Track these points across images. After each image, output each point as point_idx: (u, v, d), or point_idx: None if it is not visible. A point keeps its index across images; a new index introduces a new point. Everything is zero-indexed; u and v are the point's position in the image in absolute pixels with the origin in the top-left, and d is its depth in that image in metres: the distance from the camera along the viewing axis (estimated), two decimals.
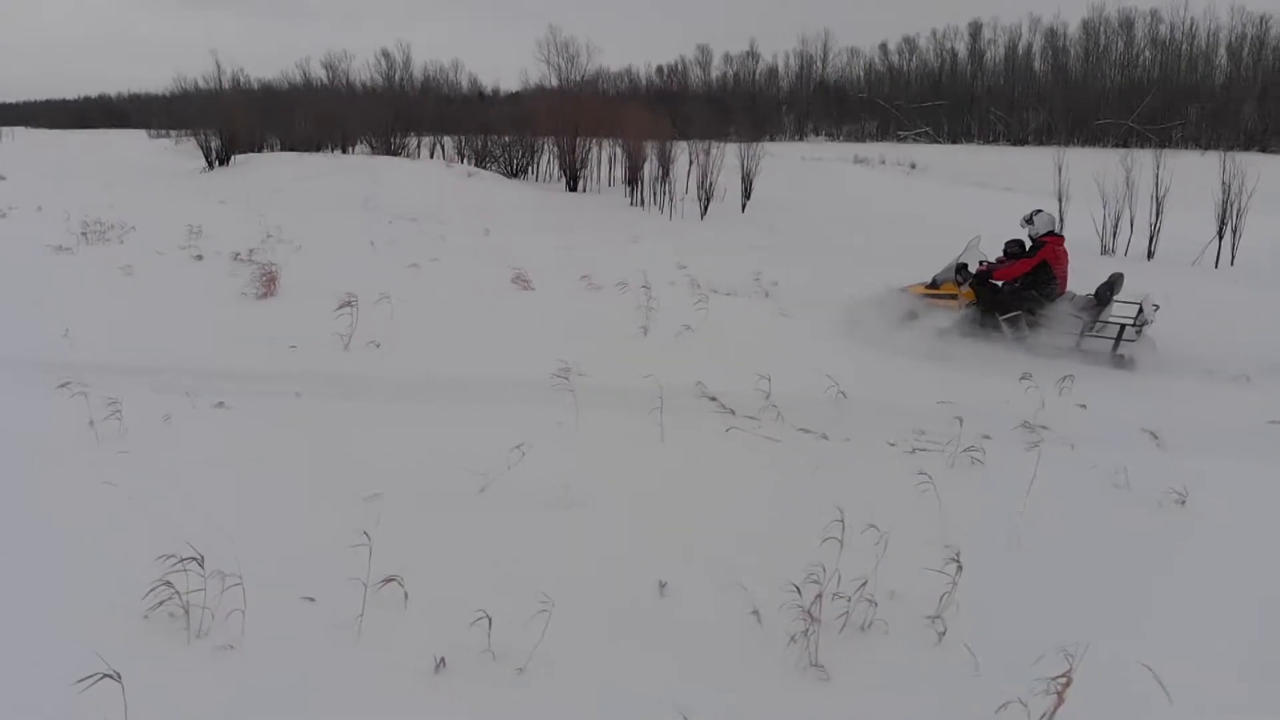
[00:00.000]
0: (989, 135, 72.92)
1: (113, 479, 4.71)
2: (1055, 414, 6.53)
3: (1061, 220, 22.00)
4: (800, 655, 3.46)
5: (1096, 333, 8.67)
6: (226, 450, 5.43)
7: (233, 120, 41.08)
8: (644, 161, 31.67)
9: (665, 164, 30.81)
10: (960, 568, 3.77)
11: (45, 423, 5.81)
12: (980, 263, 9.45)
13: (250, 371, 7.30)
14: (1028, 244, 9.17)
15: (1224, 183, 19.86)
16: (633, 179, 31.83)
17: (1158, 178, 20.44)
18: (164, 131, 56.44)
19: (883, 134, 76.74)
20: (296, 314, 9.04)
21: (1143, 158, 21.48)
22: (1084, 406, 6.65)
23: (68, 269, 10.89)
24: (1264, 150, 62.60)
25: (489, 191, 31.08)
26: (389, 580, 3.68)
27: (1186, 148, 63.31)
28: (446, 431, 5.84)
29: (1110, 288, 8.86)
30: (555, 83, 43.75)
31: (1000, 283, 9.20)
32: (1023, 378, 6.65)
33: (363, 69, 70.96)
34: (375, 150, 45.78)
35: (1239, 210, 19.67)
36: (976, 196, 31.17)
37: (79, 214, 15.60)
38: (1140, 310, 8.56)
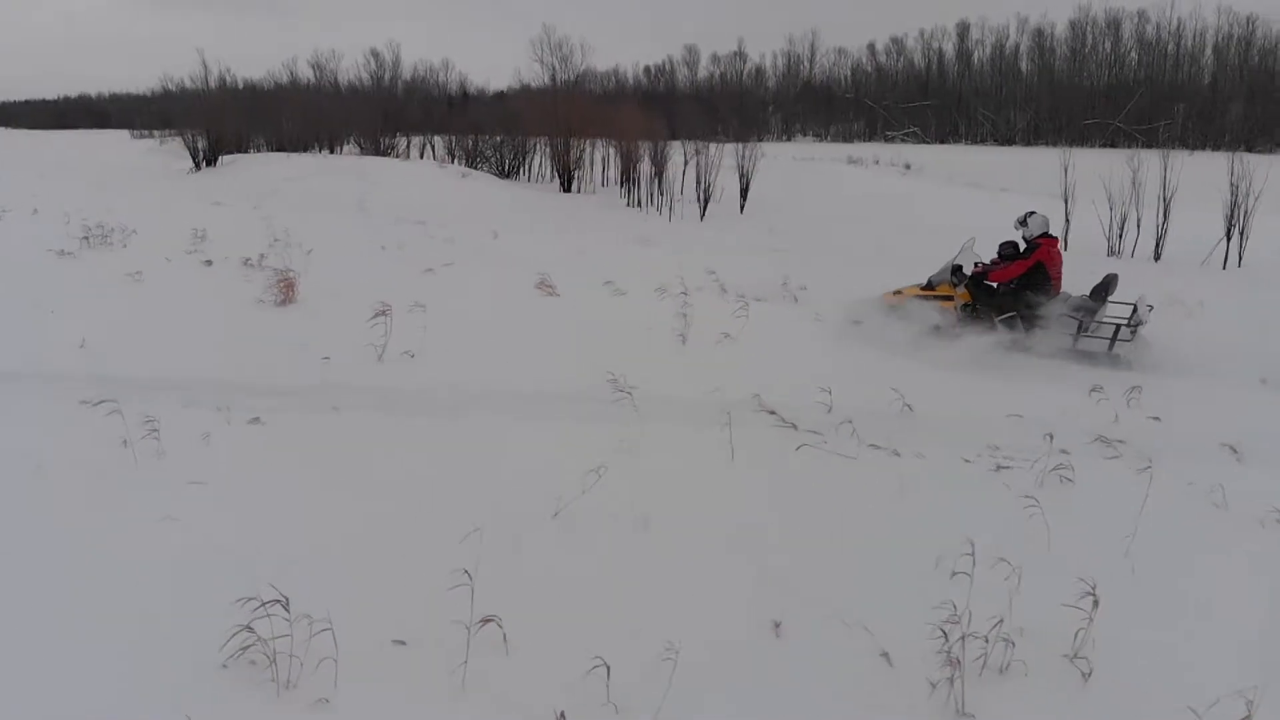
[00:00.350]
0: (976, 135, 73.10)
1: (168, 509, 4.40)
2: (1128, 427, 6.30)
3: (1068, 221, 22.22)
4: (945, 703, 3.20)
5: (1092, 333, 8.70)
6: (280, 473, 5.13)
7: (220, 120, 40.48)
8: (638, 162, 31.41)
9: (661, 164, 30.58)
10: (1097, 602, 3.52)
11: (76, 444, 5.49)
12: (975, 264, 9.45)
13: (281, 384, 6.98)
14: (1022, 246, 9.21)
15: (1232, 184, 19.75)
16: (629, 179, 31.53)
17: (1165, 179, 20.31)
18: (147, 132, 55.67)
19: (870, 134, 76.79)
20: (318, 322, 8.73)
21: (1149, 158, 21.35)
22: (1158, 419, 6.42)
23: (74, 275, 10.51)
24: (1249, 150, 62.98)
25: (485, 193, 30.72)
26: (486, 621, 3.39)
27: (1173, 148, 63.52)
28: (506, 450, 5.56)
29: (1105, 288, 8.91)
30: (548, 82, 43.40)
31: (996, 284, 9.24)
32: (1093, 390, 6.42)
33: (352, 68, 70.68)
34: (364, 150, 45.30)
35: (1247, 212, 19.56)
36: (975, 197, 31.05)
37: (76, 216, 15.18)
38: (1134, 310, 8.58)
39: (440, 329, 8.21)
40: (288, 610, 3.26)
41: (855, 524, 4.61)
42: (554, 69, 44.41)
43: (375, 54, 54.53)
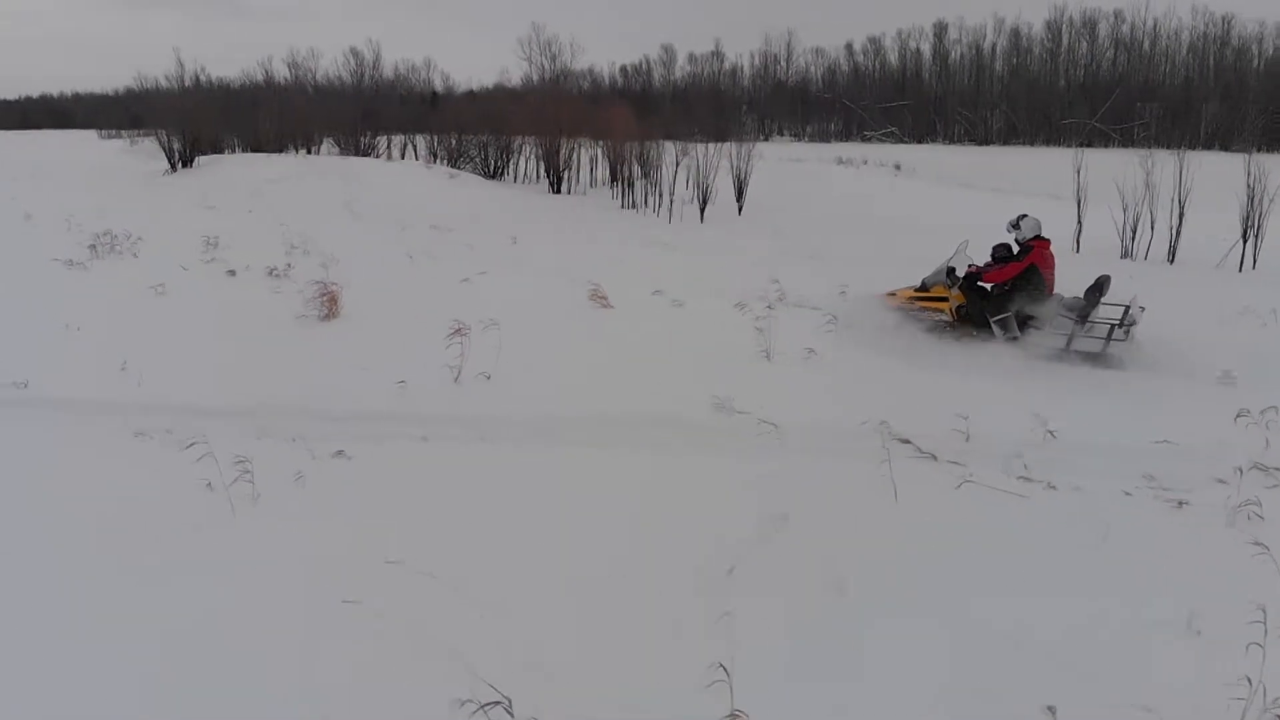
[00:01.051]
0: (952, 135, 73.31)
1: (338, 585, 3.82)
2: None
3: (1080, 223, 22.00)
4: None
5: (1086, 333, 8.74)
6: (419, 524, 4.59)
7: (196, 120, 39.38)
8: (631, 163, 30.94)
9: (653, 165, 30.13)
10: None
11: (154, 489, 4.92)
12: (969, 266, 9.51)
13: (353, 410, 6.42)
14: (1015, 248, 9.33)
15: (1248, 185, 19.61)
16: (624, 181, 31.06)
17: (1180, 180, 20.13)
18: (116, 132, 54.28)
19: (847, 134, 76.78)
20: (370, 339, 8.16)
21: (1164, 159, 21.17)
22: None
23: (91, 288, 9.86)
24: (1225, 149, 63.72)
25: (478, 195, 30.09)
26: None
27: (1149, 147, 64.06)
28: (648, 488, 5.04)
29: (1099, 289, 8.94)
30: (535, 79, 42.71)
31: (990, 285, 9.34)
32: (1239, 415, 6.00)
33: (331, 67, 69.33)
34: (344, 151, 44.39)
35: (1262, 213, 19.43)
36: (974, 199, 30.92)
37: (73, 222, 14.43)
38: (1126, 310, 8.64)
39: (508, 346, 7.67)
40: (511, 715, 2.74)
41: (1077, 579, 4.13)
42: (543, 68, 43.66)
43: (355, 52, 53.53)
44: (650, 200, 29.72)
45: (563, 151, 35.42)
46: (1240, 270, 19.24)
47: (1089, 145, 68.12)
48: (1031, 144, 68.07)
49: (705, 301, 9.82)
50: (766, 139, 79.67)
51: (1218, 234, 19.99)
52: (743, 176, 29.14)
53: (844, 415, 6.11)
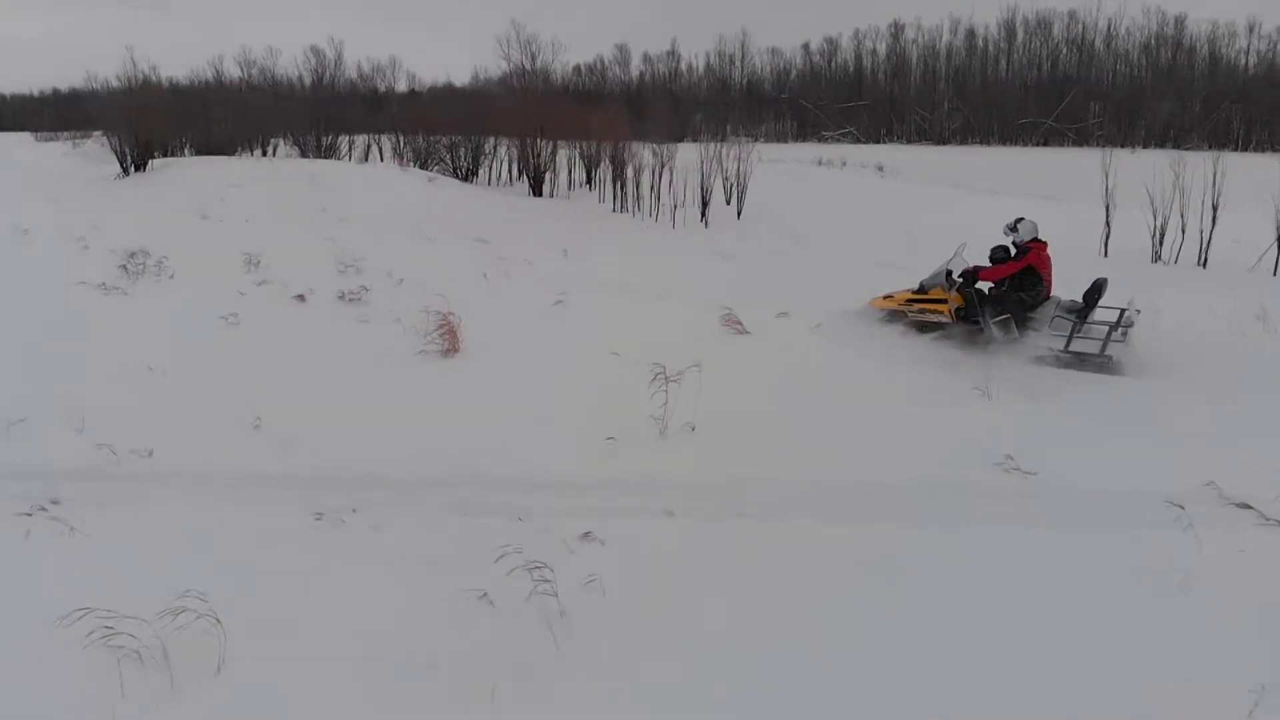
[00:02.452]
0: (908, 135, 73.54)
1: None
2: None
3: (1108, 227, 21.57)
4: None
5: (1083, 335, 8.80)
6: (754, 643, 3.57)
7: (148, 121, 37.23)
8: (625, 164, 29.96)
9: (643, 168, 29.20)
10: None
11: (399, 601, 3.85)
12: (966, 266, 9.60)
13: (558, 476, 5.37)
14: (1012, 251, 9.39)
15: None
16: (620, 184, 30.05)
17: (1215, 181, 19.79)
18: (54, 134, 51.46)
19: (804, 134, 76.54)
20: (514, 381, 7.11)
21: (1196, 160, 20.84)
22: None
23: (144, 318, 8.59)
24: (1177, 147, 64.92)
25: (463, 200, 28.76)
26: None
27: (1104, 145, 65.10)
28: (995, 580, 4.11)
29: (1097, 291, 9.03)
30: (514, 79, 41.31)
31: (988, 286, 9.45)
32: None
33: (291, 66, 66.63)
34: (304, 152, 42.56)
35: None
36: (972, 200, 30.53)
37: (70, 234, 12.97)
38: (1122, 313, 8.71)
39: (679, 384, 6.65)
40: None
41: None
42: (523, 67, 42.32)
43: (316, 51, 51.31)
44: (639, 204, 28.76)
45: (544, 153, 34.19)
46: (1275, 274, 18.97)
47: (1045, 144, 69.20)
48: (987, 143, 68.64)
49: (843, 327, 8.90)
50: (722, 140, 79.02)
51: (1244, 236, 19.76)
52: (742, 179, 28.33)
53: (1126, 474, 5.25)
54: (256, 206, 24.70)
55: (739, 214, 28.02)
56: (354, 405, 6.39)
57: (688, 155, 29.52)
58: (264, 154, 43.60)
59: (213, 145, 42.43)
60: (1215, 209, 19.99)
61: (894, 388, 7.19)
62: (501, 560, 3.99)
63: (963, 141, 70.19)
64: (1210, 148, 59.80)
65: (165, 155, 38.76)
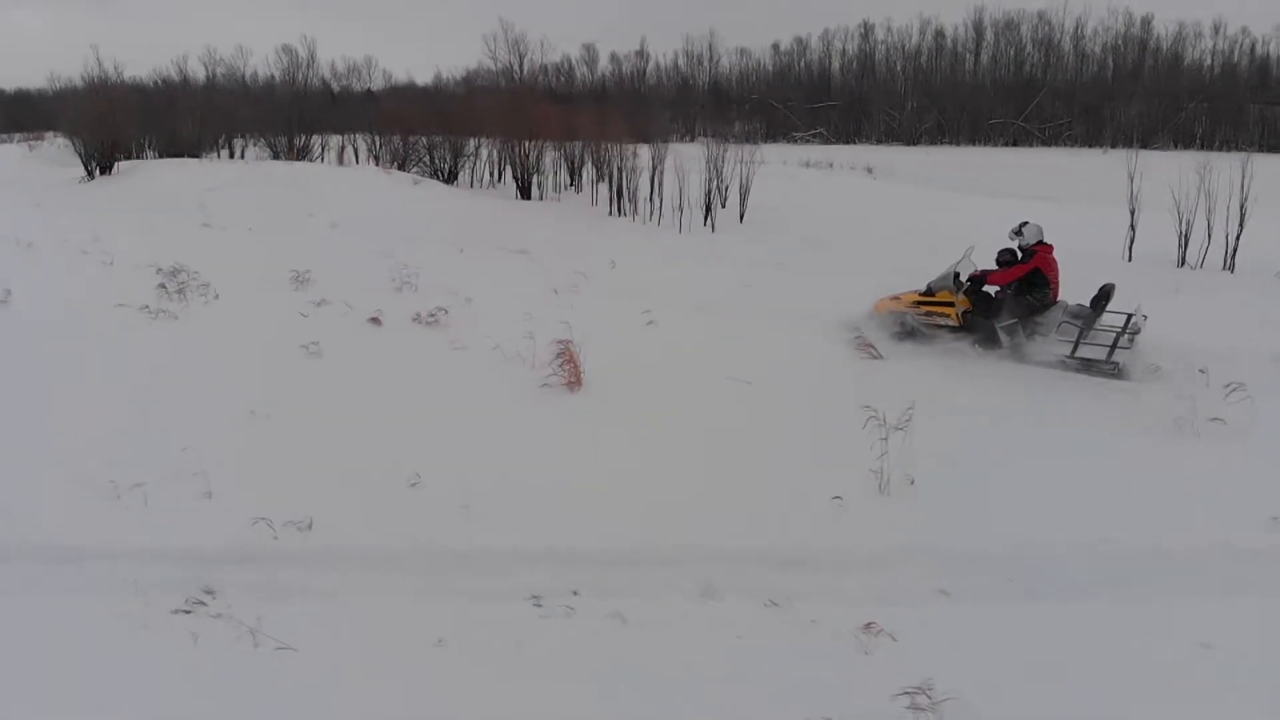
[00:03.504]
0: (877, 136, 73.57)
1: None
2: None
3: (1133, 230, 21.22)
4: None
5: (1090, 340, 8.84)
6: None
7: (113, 123, 35.68)
8: (622, 165, 29.21)
9: (638, 170, 28.52)
10: None
11: None
12: (974, 270, 9.66)
13: (799, 546, 4.64)
14: (1018, 254, 9.41)
15: None
16: (617, 186, 29.30)
17: (1243, 184, 19.52)
18: (7, 136, 49.32)
19: (774, 135, 76.23)
20: (651, 420, 6.37)
21: (1220, 162, 20.58)
22: None
23: (208, 346, 7.72)
24: (1145, 147, 65.59)
25: (458, 204, 27.86)
26: None
27: (1073, 145, 65.78)
28: None
29: (1105, 297, 9.08)
30: (505, 78, 40.24)
31: (995, 289, 9.48)
32: None
33: (261, 65, 64.53)
34: (277, 154, 41.20)
35: None
36: (967, 202, 30.22)
37: (69, 246, 11.92)
38: (1129, 319, 8.77)
39: None
40: None
41: None
42: (510, 65, 41.26)
43: (288, 50, 49.52)
44: (634, 207, 28.03)
45: (532, 154, 33.29)
46: None
47: (1014, 144, 69.60)
48: (957, 143, 68.91)
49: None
50: (692, 140, 78.38)
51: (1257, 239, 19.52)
52: (745, 182, 27.69)
53: None
54: (242, 212, 23.54)
55: (741, 217, 27.38)
56: (511, 456, 5.58)
57: (678, 156, 28.87)
58: (231, 156, 42.14)
59: (177, 147, 40.86)
60: (1243, 211, 19.71)
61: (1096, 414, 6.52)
62: (775, 674, 3.23)
63: (933, 142, 70.43)
64: (1176, 147, 60.74)
65: (129, 158, 37.19)
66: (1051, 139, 65.94)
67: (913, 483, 5.25)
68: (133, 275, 10.35)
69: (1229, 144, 60.86)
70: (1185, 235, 20.30)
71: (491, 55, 46.47)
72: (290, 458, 5.40)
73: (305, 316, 8.79)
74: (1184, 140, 63.48)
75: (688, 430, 6.12)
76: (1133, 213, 20.99)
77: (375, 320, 8.71)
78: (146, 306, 8.82)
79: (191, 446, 5.26)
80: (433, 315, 8.80)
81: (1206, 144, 61.51)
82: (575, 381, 6.88)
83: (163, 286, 9.48)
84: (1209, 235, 20.02)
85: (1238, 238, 19.58)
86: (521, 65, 43.44)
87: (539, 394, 6.73)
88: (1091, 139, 65.96)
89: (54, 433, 5.61)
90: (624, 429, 6.13)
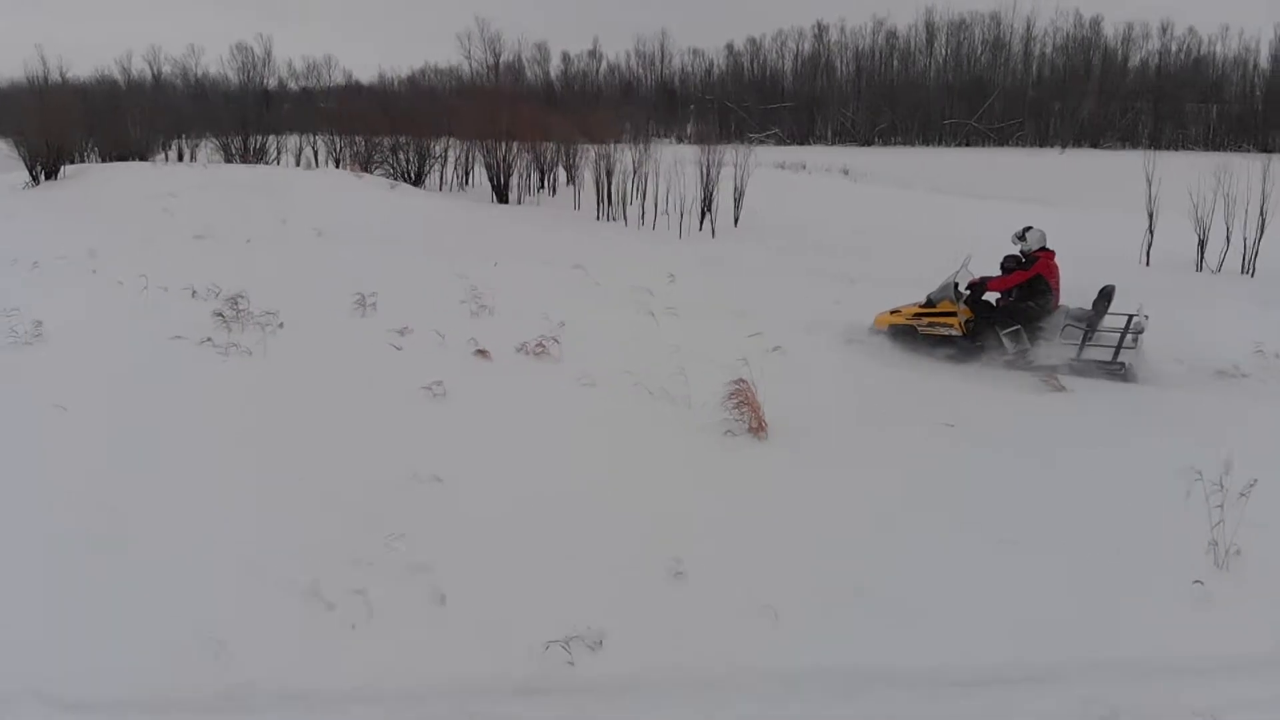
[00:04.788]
0: (833, 136, 73.73)
1: None
2: None
3: (1151, 233, 20.98)
4: None
5: (1094, 342, 8.90)
6: None
7: (58, 125, 33.69)
8: (612, 167, 28.43)
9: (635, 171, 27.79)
10: None
11: None
12: (972, 278, 9.65)
13: (1149, 654, 3.87)
14: (1021, 260, 9.38)
15: None
16: (606, 190, 28.49)
17: (1264, 190, 19.40)
18: None
19: (727, 136, 75.91)
20: (870, 478, 5.51)
21: (1240, 163, 20.47)
22: None
23: (308, 393, 6.62)
24: (1094, 146, 66.88)
25: (436, 208, 26.74)
26: None
27: (1026, 145, 66.60)
28: None
29: (1106, 298, 9.09)
30: (480, 78, 38.98)
31: (996, 296, 9.50)
32: None
33: (215, 64, 61.84)
34: (230, 156, 39.41)
35: None
36: (966, 205, 30.06)
37: (73, 265, 10.71)
38: (1131, 319, 8.81)
39: None
40: None
41: None
42: (485, 64, 39.98)
43: (242, 48, 47.36)
44: (624, 211, 27.28)
45: (509, 156, 32.26)
46: None
47: (967, 144, 70.25)
48: (910, 144, 69.41)
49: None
50: (649, 142, 77.45)
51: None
52: (740, 185, 27.06)
53: None
54: (211, 219, 22.07)
55: (736, 221, 26.72)
56: (756, 532, 4.71)
57: (661, 158, 28.15)
58: (180, 159, 40.20)
59: (123, 150, 38.80)
60: (1263, 214, 19.57)
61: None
62: None
63: (886, 142, 70.90)
64: (1125, 146, 61.83)
65: (73, 161, 35.15)
66: (1003, 139, 66.75)
67: (1239, 553, 4.54)
68: (168, 300, 9.20)
69: (1176, 143, 62.20)
70: (1203, 239, 20.13)
71: (467, 55, 45.35)
72: (517, 544, 4.46)
73: (399, 350, 7.79)
74: (1131, 139, 64.66)
75: (927, 486, 5.33)
76: (1150, 216, 20.80)
77: (482, 353, 7.73)
78: (209, 339, 7.72)
79: (394, 531, 4.30)
80: (540, 345, 7.86)
81: (1155, 143, 62.87)
82: (759, 428, 6.05)
83: (220, 315, 8.37)
84: (1227, 239, 19.87)
85: (1258, 241, 19.47)
86: (498, 65, 42.18)
87: (720, 442, 5.87)
88: (1041, 139, 66.95)
89: (207, 518, 4.59)
90: (853, 489, 5.31)
